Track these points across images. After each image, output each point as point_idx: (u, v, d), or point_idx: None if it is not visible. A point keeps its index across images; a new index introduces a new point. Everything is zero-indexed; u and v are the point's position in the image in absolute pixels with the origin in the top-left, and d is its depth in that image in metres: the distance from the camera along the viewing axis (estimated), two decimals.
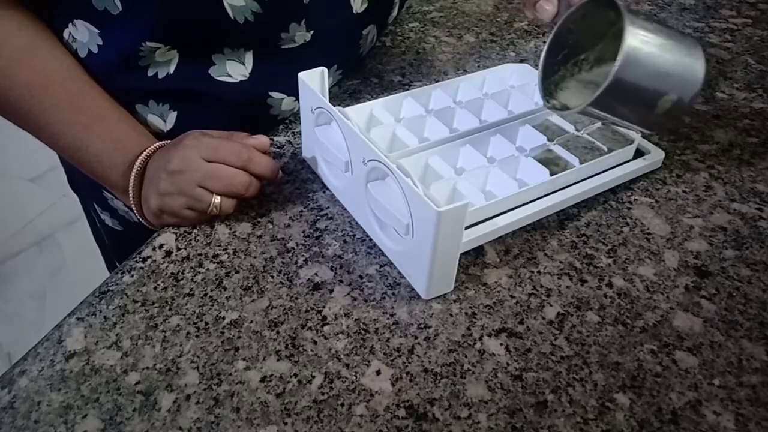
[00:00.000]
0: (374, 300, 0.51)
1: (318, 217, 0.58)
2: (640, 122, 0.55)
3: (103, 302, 0.51)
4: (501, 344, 0.48)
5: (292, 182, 0.62)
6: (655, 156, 0.62)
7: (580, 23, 0.55)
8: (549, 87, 0.57)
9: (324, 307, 0.50)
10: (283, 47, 0.61)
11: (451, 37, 0.85)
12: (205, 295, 0.51)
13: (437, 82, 0.66)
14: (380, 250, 0.54)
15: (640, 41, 0.49)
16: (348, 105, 0.67)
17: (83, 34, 0.58)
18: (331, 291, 0.51)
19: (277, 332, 0.48)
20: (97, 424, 0.43)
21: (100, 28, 0.57)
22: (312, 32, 0.61)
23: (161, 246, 0.55)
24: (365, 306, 0.50)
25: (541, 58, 0.56)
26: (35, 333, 1.52)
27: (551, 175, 0.57)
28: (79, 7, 0.56)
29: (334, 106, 0.55)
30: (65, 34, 0.59)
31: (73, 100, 0.57)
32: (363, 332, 0.48)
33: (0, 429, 0.43)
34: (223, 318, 0.49)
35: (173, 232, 0.57)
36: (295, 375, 0.46)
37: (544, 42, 0.57)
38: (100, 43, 0.58)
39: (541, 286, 0.52)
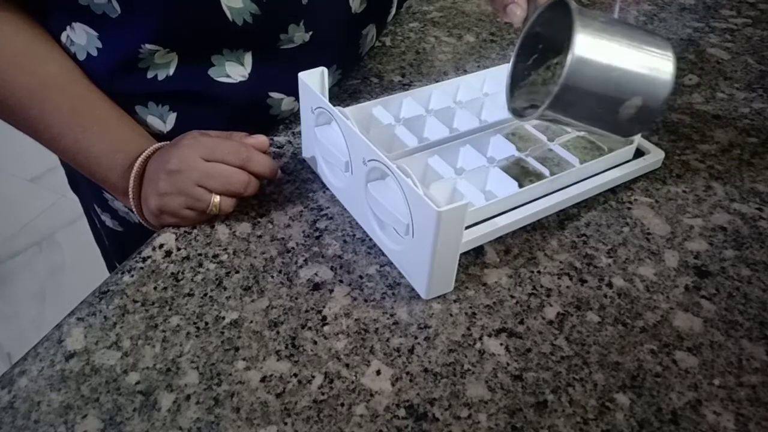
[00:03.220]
0: (374, 300, 0.51)
1: (318, 217, 0.58)
2: (607, 128, 0.53)
3: (103, 302, 0.51)
4: (501, 344, 0.48)
5: (292, 182, 0.62)
6: (655, 156, 0.62)
7: (547, 27, 0.53)
8: (520, 92, 0.56)
9: (324, 307, 0.50)
10: (282, 48, 0.61)
11: (451, 37, 0.85)
12: (205, 295, 0.51)
13: (437, 82, 0.66)
14: (380, 250, 0.54)
15: (593, 47, 0.48)
16: (348, 105, 0.67)
17: (82, 37, 0.58)
18: (331, 291, 0.51)
19: (277, 332, 0.48)
20: (97, 424, 0.43)
21: (98, 31, 0.57)
22: (311, 33, 0.61)
23: (161, 246, 0.55)
24: (365, 306, 0.50)
25: (510, 64, 0.55)
26: (35, 333, 1.52)
27: (551, 175, 0.57)
28: (77, 10, 0.56)
29: (334, 106, 0.55)
30: (63, 37, 0.59)
31: (72, 103, 0.57)
32: (363, 332, 0.48)
33: (0, 429, 0.43)
34: (223, 318, 0.49)
35: (173, 232, 0.57)
36: (295, 375, 0.46)
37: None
38: (100, 46, 0.58)
39: (541, 286, 0.52)
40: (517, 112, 0.54)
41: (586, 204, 0.59)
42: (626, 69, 0.49)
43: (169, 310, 0.50)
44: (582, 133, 0.62)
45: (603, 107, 0.50)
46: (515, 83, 0.56)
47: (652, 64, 0.50)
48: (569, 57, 0.47)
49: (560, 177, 0.57)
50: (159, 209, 0.56)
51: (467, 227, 0.53)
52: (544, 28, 0.54)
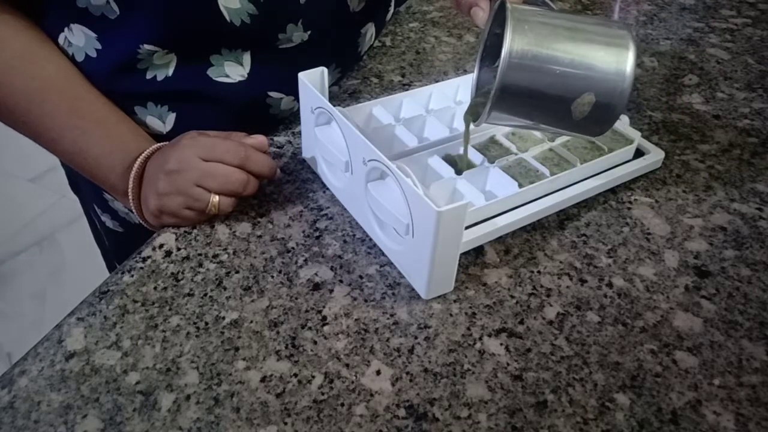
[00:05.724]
0: (374, 300, 0.51)
1: (318, 217, 0.58)
2: (568, 128, 0.50)
3: (103, 302, 0.51)
4: (501, 344, 0.48)
5: (292, 182, 0.62)
6: (655, 156, 0.62)
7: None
8: (483, 96, 0.53)
9: (324, 307, 0.50)
10: (281, 47, 0.61)
11: (451, 37, 0.85)
12: (205, 295, 0.51)
13: (437, 82, 0.66)
14: (380, 250, 0.54)
15: (529, 45, 0.45)
16: (348, 105, 0.67)
17: (80, 39, 0.58)
18: (331, 291, 0.51)
19: (277, 332, 0.48)
20: (97, 424, 0.43)
21: (97, 32, 0.57)
22: (309, 32, 0.61)
23: (161, 246, 0.55)
24: (365, 306, 0.50)
25: (475, 70, 0.54)
26: (35, 333, 1.51)
27: (551, 175, 0.57)
28: (75, 12, 0.56)
29: (334, 106, 0.55)
30: (60, 39, 0.59)
31: (71, 105, 0.57)
32: (363, 332, 0.48)
33: (0, 429, 0.43)
34: (223, 318, 0.49)
35: (173, 232, 0.57)
36: (295, 375, 0.46)
37: None
38: (99, 47, 0.58)
39: (541, 286, 0.52)
40: (475, 118, 0.52)
41: (586, 204, 0.59)
42: (571, 65, 0.46)
43: (169, 310, 0.50)
44: None
45: (552, 107, 0.48)
46: (483, 88, 0.54)
47: (603, 57, 0.47)
48: (501, 60, 0.45)
49: (560, 177, 0.57)
50: (158, 209, 0.56)
51: (467, 227, 0.53)
52: (502, 28, 0.51)
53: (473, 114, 0.54)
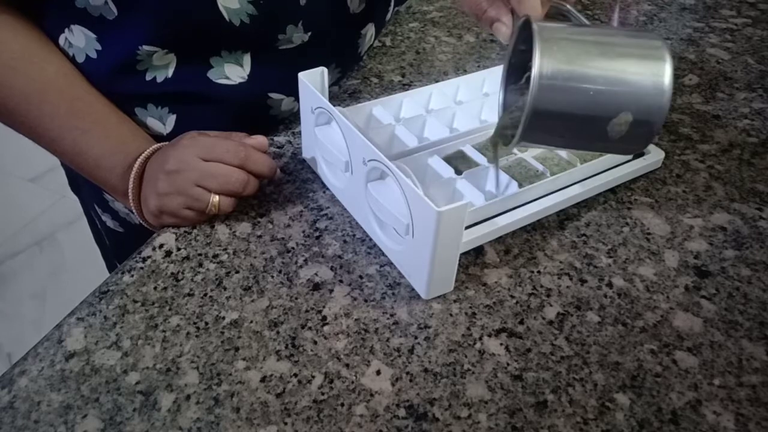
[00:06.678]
0: (374, 300, 0.51)
1: (318, 217, 0.58)
2: (603, 149, 0.48)
3: (103, 302, 0.51)
4: (501, 344, 0.48)
5: (292, 182, 0.62)
6: (655, 156, 0.62)
7: (529, 44, 0.47)
8: (513, 115, 0.51)
9: (324, 307, 0.50)
10: (280, 48, 0.61)
11: (451, 37, 0.85)
12: (205, 295, 0.51)
13: (437, 82, 0.66)
14: (380, 250, 0.54)
15: (559, 65, 0.43)
16: (348, 105, 0.67)
17: (80, 40, 0.58)
18: (331, 291, 0.51)
19: (277, 332, 0.48)
20: (97, 424, 0.43)
21: (97, 33, 0.57)
22: (309, 33, 0.61)
23: (161, 246, 0.55)
24: (365, 306, 0.50)
25: (500, 89, 0.51)
26: (35, 333, 1.52)
27: (551, 175, 0.57)
28: (74, 12, 0.56)
29: (334, 106, 0.55)
30: (61, 40, 0.59)
31: (71, 105, 0.57)
32: (363, 332, 0.48)
33: (0, 429, 0.43)
34: (223, 318, 0.49)
35: (173, 232, 0.57)
36: (295, 375, 0.46)
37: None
38: (99, 48, 0.58)
39: (541, 286, 0.52)
40: (506, 140, 0.50)
41: (586, 204, 0.59)
42: (605, 83, 0.44)
43: (169, 310, 0.50)
44: None
45: (587, 129, 0.46)
46: (510, 108, 0.52)
47: (638, 72, 0.44)
48: (531, 83, 0.43)
49: (560, 177, 0.57)
50: (158, 209, 0.56)
51: (467, 227, 0.53)
52: (527, 45, 0.50)
53: (503, 137, 0.52)
